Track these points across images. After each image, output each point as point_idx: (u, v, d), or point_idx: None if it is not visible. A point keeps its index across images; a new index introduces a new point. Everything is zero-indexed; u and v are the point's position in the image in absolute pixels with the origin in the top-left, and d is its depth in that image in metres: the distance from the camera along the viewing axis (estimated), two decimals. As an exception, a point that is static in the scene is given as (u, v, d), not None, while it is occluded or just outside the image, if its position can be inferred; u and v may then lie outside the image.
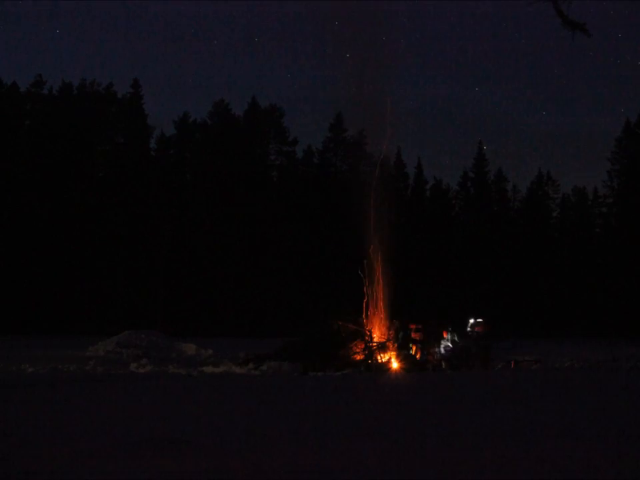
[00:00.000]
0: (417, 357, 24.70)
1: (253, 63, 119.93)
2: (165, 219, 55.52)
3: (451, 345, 24.44)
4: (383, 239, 27.21)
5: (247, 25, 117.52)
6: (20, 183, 53.66)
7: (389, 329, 25.91)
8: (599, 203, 66.34)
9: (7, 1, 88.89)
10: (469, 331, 25.11)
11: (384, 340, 25.27)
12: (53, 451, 7.79)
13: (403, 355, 24.57)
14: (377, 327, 26.00)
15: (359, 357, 24.67)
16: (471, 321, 25.19)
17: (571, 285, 59.83)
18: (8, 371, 20.28)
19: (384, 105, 28.72)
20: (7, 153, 54.52)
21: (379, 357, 24.32)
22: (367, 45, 28.82)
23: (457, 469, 6.86)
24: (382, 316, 26.35)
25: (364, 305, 26.63)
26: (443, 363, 23.88)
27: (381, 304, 26.53)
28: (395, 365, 23.68)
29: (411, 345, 24.97)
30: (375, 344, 24.97)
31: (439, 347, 24.64)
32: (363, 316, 26.31)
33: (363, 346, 25.02)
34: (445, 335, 24.75)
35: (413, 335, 24.94)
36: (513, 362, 24.45)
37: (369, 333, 25.38)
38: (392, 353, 24.61)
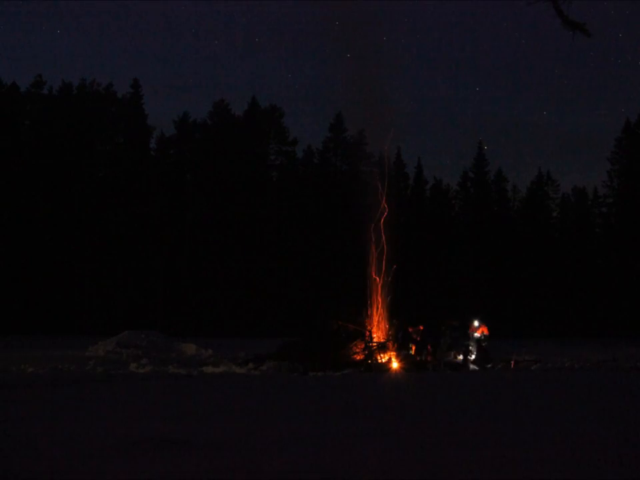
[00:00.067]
0: (417, 357, 24.71)
1: (253, 63, 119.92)
2: (165, 218, 55.53)
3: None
4: (383, 239, 27.20)
5: (247, 25, 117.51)
6: (20, 183, 53.66)
7: (389, 329, 25.91)
8: (598, 202, 66.35)
9: (7, 1, 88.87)
10: (470, 332, 25.08)
11: (384, 340, 25.27)
12: (53, 451, 7.79)
13: (403, 355, 24.57)
14: (376, 327, 26.00)
15: (358, 357, 24.66)
16: (475, 323, 25.17)
17: (571, 284, 59.84)
18: (8, 370, 20.27)
19: (384, 105, 28.74)
20: (7, 153, 54.52)
21: (378, 357, 24.31)
22: (367, 44, 28.82)
23: (457, 469, 6.86)
24: (382, 316, 26.34)
25: (364, 305, 26.62)
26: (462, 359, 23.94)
27: (380, 304, 26.52)
28: (395, 364, 23.68)
29: (410, 345, 24.98)
30: (375, 344, 24.97)
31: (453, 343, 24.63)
32: (363, 316, 26.30)
33: (362, 346, 25.01)
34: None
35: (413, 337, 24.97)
36: (513, 362, 24.44)
37: (368, 333, 25.38)
38: (392, 352, 24.61)
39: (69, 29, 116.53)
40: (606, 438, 8.79)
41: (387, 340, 25.26)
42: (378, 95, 29.00)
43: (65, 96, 59.18)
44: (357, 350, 24.95)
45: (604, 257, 61.67)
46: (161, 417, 10.76)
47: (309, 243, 56.36)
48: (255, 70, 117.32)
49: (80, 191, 54.97)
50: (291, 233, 55.96)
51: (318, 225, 57.13)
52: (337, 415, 11.03)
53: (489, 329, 25.23)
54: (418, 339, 24.86)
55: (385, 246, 27.18)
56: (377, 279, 26.87)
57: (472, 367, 23.68)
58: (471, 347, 24.46)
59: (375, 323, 26.11)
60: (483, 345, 24.74)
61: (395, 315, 26.52)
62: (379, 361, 24.06)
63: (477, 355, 24.31)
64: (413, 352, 24.87)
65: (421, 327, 25.21)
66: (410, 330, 25.04)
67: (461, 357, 24.45)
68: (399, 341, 25.28)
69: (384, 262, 27.10)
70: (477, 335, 24.73)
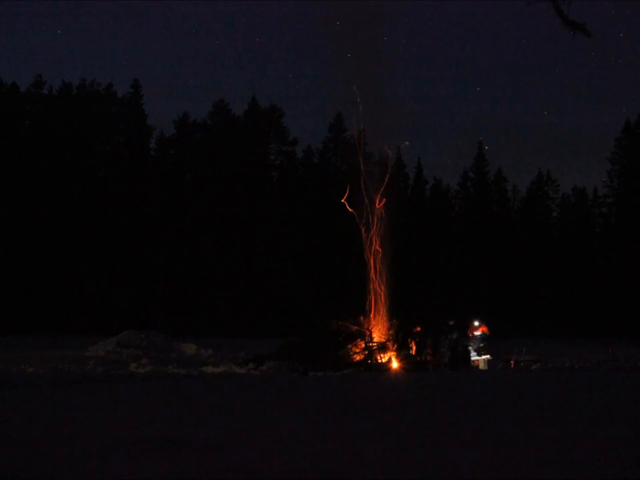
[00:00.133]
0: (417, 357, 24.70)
1: (253, 63, 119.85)
2: (165, 218, 55.53)
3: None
4: (383, 239, 27.20)
5: (247, 24, 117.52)
6: (20, 183, 53.67)
7: (389, 329, 25.91)
8: (598, 202, 66.36)
9: (7, 1, 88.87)
10: (471, 332, 25.07)
11: (384, 340, 25.27)
12: (53, 451, 7.79)
13: (403, 355, 24.57)
14: (377, 327, 26.00)
15: (358, 357, 24.67)
16: (476, 323, 25.15)
17: (571, 284, 59.84)
18: (8, 370, 20.27)
19: (384, 105, 28.73)
20: (7, 153, 54.52)
21: (378, 357, 24.32)
22: (367, 44, 28.81)
23: (457, 469, 6.86)
24: (382, 316, 26.34)
25: (364, 305, 26.62)
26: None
27: (381, 304, 26.52)
28: (395, 364, 23.68)
29: (410, 345, 24.97)
30: (375, 344, 24.97)
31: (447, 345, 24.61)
32: (363, 316, 26.30)
33: (363, 346, 25.02)
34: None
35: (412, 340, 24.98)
36: (512, 362, 24.44)
37: (368, 333, 25.38)
38: (392, 352, 24.61)
39: (69, 29, 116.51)
40: (606, 438, 8.79)
41: (387, 340, 25.27)
42: (378, 95, 29.01)
43: (65, 96, 59.20)
44: (357, 350, 24.97)
45: (604, 257, 61.69)
46: (161, 417, 10.76)
47: (309, 243, 56.36)
48: (255, 70, 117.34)
49: (80, 191, 54.98)
50: (291, 233, 55.94)
51: (318, 225, 57.12)
52: (337, 415, 11.03)
53: (489, 329, 25.24)
54: (417, 339, 24.86)
55: (384, 246, 27.19)
56: (377, 278, 26.87)
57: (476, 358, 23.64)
58: (470, 347, 24.46)
59: (375, 323, 26.11)
60: (482, 345, 24.74)
61: (394, 315, 26.53)
62: (379, 360, 24.06)
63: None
64: (413, 352, 24.87)
65: (419, 328, 25.20)
66: (416, 330, 25.03)
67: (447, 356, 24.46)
68: (399, 341, 25.29)
69: (384, 262, 27.10)
70: (477, 334, 24.72)
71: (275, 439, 8.55)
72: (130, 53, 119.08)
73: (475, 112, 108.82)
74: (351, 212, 27.40)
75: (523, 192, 67.68)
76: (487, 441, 8.45)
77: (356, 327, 25.63)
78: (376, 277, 26.88)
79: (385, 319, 26.27)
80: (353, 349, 24.97)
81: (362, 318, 26.20)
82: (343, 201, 27.60)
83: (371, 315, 26.34)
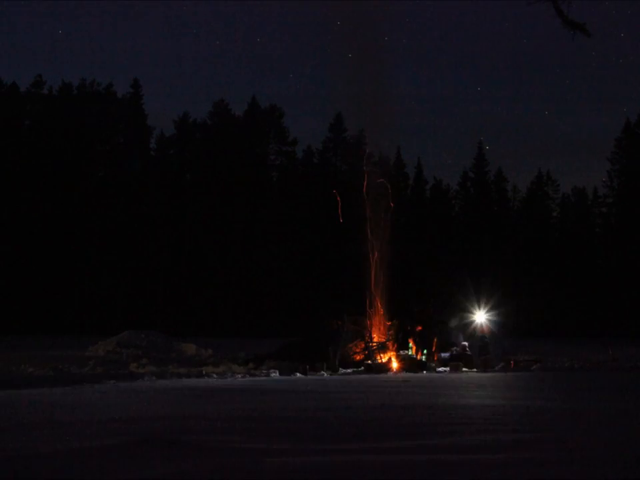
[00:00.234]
0: (417, 357, 24.72)
1: (253, 63, 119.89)
2: (165, 218, 55.54)
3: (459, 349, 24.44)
4: (383, 239, 27.20)
5: (247, 24, 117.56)
6: (20, 183, 53.67)
7: (388, 329, 25.92)
8: (598, 202, 66.33)
9: (7, 1, 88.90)
10: (473, 331, 25.12)
11: (384, 340, 25.28)
12: (53, 451, 7.79)
13: (403, 355, 24.59)
14: (377, 327, 26.00)
15: (358, 357, 24.68)
16: (478, 322, 25.19)
17: (571, 284, 59.82)
18: (8, 370, 20.27)
19: (384, 105, 28.75)
20: (7, 153, 54.53)
21: (378, 357, 24.32)
22: (368, 44, 28.81)
23: (457, 469, 6.86)
24: (382, 316, 26.34)
25: (364, 305, 26.62)
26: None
27: (380, 304, 26.52)
28: (394, 364, 23.68)
29: (410, 345, 24.99)
30: (375, 344, 24.97)
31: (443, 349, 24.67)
32: (363, 316, 26.30)
33: (363, 346, 25.02)
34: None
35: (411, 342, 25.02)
36: (512, 362, 24.45)
37: (368, 333, 25.38)
38: (392, 352, 24.62)
39: (69, 29, 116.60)
40: (606, 438, 8.78)
41: (387, 340, 25.27)
42: (378, 95, 29.02)
43: (65, 96, 59.21)
44: (357, 350, 24.98)
45: (604, 257, 61.67)
46: (161, 417, 10.76)
47: (308, 243, 56.35)
48: (255, 70, 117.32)
49: (80, 190, 54.98)
50: (290, 233, 55.93)
51: (318, 225, 57.10)
52: (337, 415, 11.03)
53: (491, 328, 25.29)
54: (417, 339, 24.89)
55: (384, 246, 27.19)
56: (377, 279, 26.87)
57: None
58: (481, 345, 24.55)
59: (375, 323, 26.12)
60: (482, 343, 24.79)
61: (394, 315, 26.53)
62: (379, 361, 24.06)
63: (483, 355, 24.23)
64: (413, 352, 24.89)
65: (419, 328, 25.23)
66: (417, 329, 25.06)
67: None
68: (399, 341, 25.31)
69: (383, 262, 27.10)
70: (479, 334, 24.78)
71: (275, 439, 8.55)
72: (130, 53, 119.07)
73: (475, 112, 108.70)
74: (345, 217, 27.48)
75: (523, 192, 67.74)
76: (487, 441, 8.45)
77: (356, 327, 25.63)
78: (376, 277, 26.89)
79: (385, 318, 26.28)
80: (353, 349, 24.98)
81: (362, 318, 26.21)
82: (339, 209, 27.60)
83: (371, 315, 26.35)
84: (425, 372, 22.94)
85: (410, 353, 24.83)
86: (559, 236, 65.62)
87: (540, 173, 67.48)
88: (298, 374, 21.62)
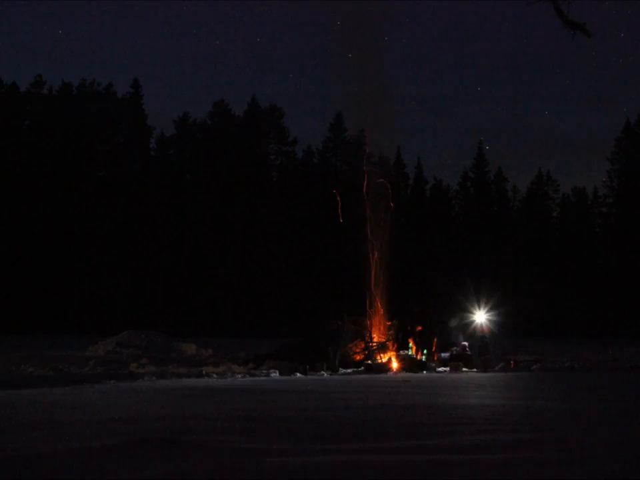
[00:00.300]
0: (417, 357, 24.72)
1: (253, 63, 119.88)
2: (165, 218, 55.54)
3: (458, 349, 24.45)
4: (383, 239, 27.20)
5: (247, 24, 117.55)
6: (20, 183, 53.68)
7: (388, 329, 25.92)
8: (598, 202, 66.34)
9: (7, 1, 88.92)
10: (474, 331, 25.12)
11: (384, 340, 25.28)
12: (53, 451, 7.79)
13: (403, 355, 24.59)
14: (376, 327, 26.00)
15: (358, 357, 24.68)
16: (479, 322, 25.20)
17: (571, 284, 59.83)
18: (8, 370, 20.27)
19: (384, 105, 28.76)
20: (7, 152, 54.54)
21: (378, 357, 24.32)
22: (367, 44, 28.82)
23: (457, 469, 6.86)
24: (382, 316, 26.35)
25: (364, 305, 26.62)
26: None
27: (380, 304, 26.52)
28: (394, 364, 23.68)
29: (410, 345, 24.99)
30: (375, 344, 24.97)
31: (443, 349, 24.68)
32: (363, 316, 26.30)
33: (363, 346, 25.02)
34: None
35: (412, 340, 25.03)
36: (512, 362, 24.46)
37: (368, 333, 25.38)
38: (392, 352, 24.62)
39: (69, 29, 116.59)
40: (606, 438, 8.78)
41: (387, 340, 25.27)
42: (378, 95, 29.02)
43: (65, 96, 59.23)
44: (357, 350, 24.97)
45: (604, 257, 61.68)
46: (161, 417, 10.76)
47: (308, 243, 56.35)
48: (255, 70, 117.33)
49: (80, 190, 54.99)
50: (290, 233, 55.94)
51: (318, 225, 57.10)
52: (337, 415, 11.03)
53: (491, 328, 25.30)
54: (417, 339, 24.89)
55: (384, 246, 27.19)
56: (377, 279, 26.87)
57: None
58: (484, 345, 24.57)
59: (375, 323, 26.12)
60: (482, 343, 24.80)
61: (394, 315, 26.53)
62: (379, 361, 24.06)
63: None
64: (413, 352, 24.89)
65: (419, 328, 25.23)
66: (417, 329, 25.07)
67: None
68: (399, 341, 25.31)
69: (383, 262, 27.10)
70: (480, 333, 24.79)
71: (275, 439, 8.55)
72: (130, 53, 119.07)
73: (475, 112, 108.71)
74: (344, 217, 27.48)
75: (523, 192, 67.74)
76: (487, 441, 8.45)
77: (356, 327, 25.63)
78: (376, 277, 26.89)
79: (385, 318, 26.28)
80: (353, 349, 24.98)
81: (362, 318, 26.21)
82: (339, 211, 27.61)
83: (371, 315, 26.35)
84: (425, 372, 22.95)
85: (410, 353, 24.84)
86: (558, 236, 65.63)
87: (540, 172, 67.55)
88: (298, 374, 21.63)
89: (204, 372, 21.17)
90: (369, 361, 24.01)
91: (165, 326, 45.28)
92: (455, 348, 24.79)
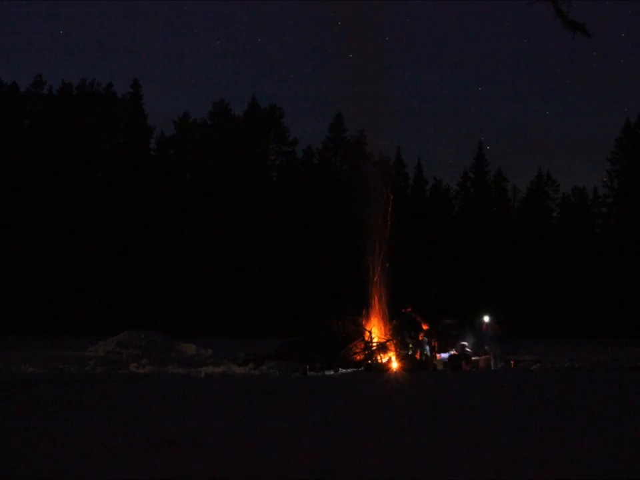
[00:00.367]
0: (417, 357, 24.72)
1: (253, 63, 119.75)
2: (165, 218, 55.54)
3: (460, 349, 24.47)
4: (383, 239, 27.21)
5: (246, 24, 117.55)
6: (20, 183, 53.68)
7: (389, 329, 25.93)
8: (598, 202, 66.31)
9: (7, 1, 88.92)
10: (482, 331, 25.09)
11: (384, 340, 25.28)
12: (53, 451, 7.79)
13: (403, 355, 24.58)
14: (377, 327, 26.00)
15: (358, 357, 24.68)
16: (486, 319, 25.17)
17: (571, 284, 59.83)
18: (8, 370, 20.28)
19: (384, 105, 28.77)
20: (7, 152, 54.54)
21: (378, 357, 24.32)
22: (367, 44, 28.82)
23: (457, 469, 6.87)
24: (382, 316, 26.35)
25: (364, 305, 26.62)
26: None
27: (380, 304, 26.52)
28: (394, 364, 23.68)
29: (410, 345, 24.99)
30: (375, 344, 24.97)
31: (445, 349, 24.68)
32: (363, 316, 26.30)
33: (362, 346, 25.02)
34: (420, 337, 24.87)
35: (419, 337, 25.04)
36: (512, 362, 24.47)
37: (368, 333, 25.38)
38: (392, 352, 24.62)
39: (69, 29, 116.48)
40: (606, 438, 8.79)
41: (387, 340, 25.27)
42: (378, 95, 29.02)
43: (65, 96, 59.18)
44: (357, 350, 24.97)
45: (604, 257, 61.64)
46: (161, 417, 10.77)
47: (309, 243, 56.34)
48: (255, 70, 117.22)
49: (80, 190, 54.98)
50: (290, 233, 55.92)
51: (318, 225, 57.09)
52: (337, 415, 11.03)
53: (499, 326, 25.31)
54: (425, 336, 24.90)
55: (384, 246, 27.20)
56: (377, 278, 26.87)
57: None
58: (487, 347, 24.55)
59: (375, 323, 26.12)
60: (487, 341, 24.81)
61: (394, 314, 26.53)
62: (379, 360, 24.07)
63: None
64: (423, 349, 24.88)
65: (425, 326, 25.25)
66: (425, 327, 25.09)
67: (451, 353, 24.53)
68: (399, 341, 25.31)
69: (383, 262, 27.11)
70: (488, 332, 24.76)
71: (275, 439, 8.55)
72: (130, 53, 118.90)
73: (475, 112, 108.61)
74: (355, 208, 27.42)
75: (523, 192, 67.67)
76: (487, 441, 8.45)
77: (356, 327, 25.63)
78: (375, 277, 26.88)
79: (385, 319, 26.28)
80: (353, 349, 24.98)
81: (362, 318, 26.21)
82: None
83: (371, 315, 26.35)
84: (424, 372, 22.95)
85: (410, 353, 24.84)
86: (558, 236, 65.59)
87: (540, 172, 67.48)
88: (298, 374, 21.63)
89: (204, 372, 21.18)
90: (369, 361, 24.01)
91: (165, 326, 45.23)
92: (455, 347, 24.77)
